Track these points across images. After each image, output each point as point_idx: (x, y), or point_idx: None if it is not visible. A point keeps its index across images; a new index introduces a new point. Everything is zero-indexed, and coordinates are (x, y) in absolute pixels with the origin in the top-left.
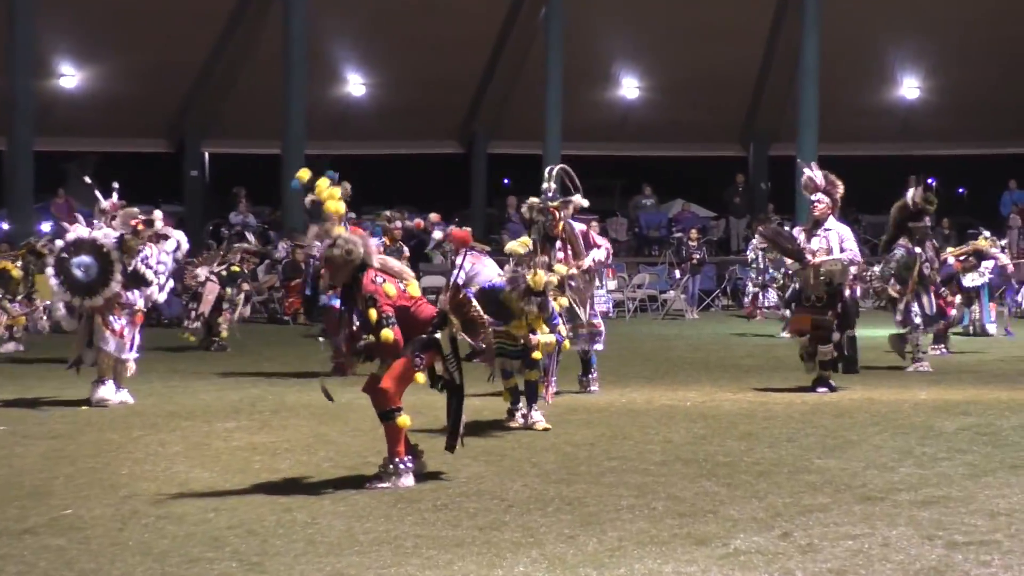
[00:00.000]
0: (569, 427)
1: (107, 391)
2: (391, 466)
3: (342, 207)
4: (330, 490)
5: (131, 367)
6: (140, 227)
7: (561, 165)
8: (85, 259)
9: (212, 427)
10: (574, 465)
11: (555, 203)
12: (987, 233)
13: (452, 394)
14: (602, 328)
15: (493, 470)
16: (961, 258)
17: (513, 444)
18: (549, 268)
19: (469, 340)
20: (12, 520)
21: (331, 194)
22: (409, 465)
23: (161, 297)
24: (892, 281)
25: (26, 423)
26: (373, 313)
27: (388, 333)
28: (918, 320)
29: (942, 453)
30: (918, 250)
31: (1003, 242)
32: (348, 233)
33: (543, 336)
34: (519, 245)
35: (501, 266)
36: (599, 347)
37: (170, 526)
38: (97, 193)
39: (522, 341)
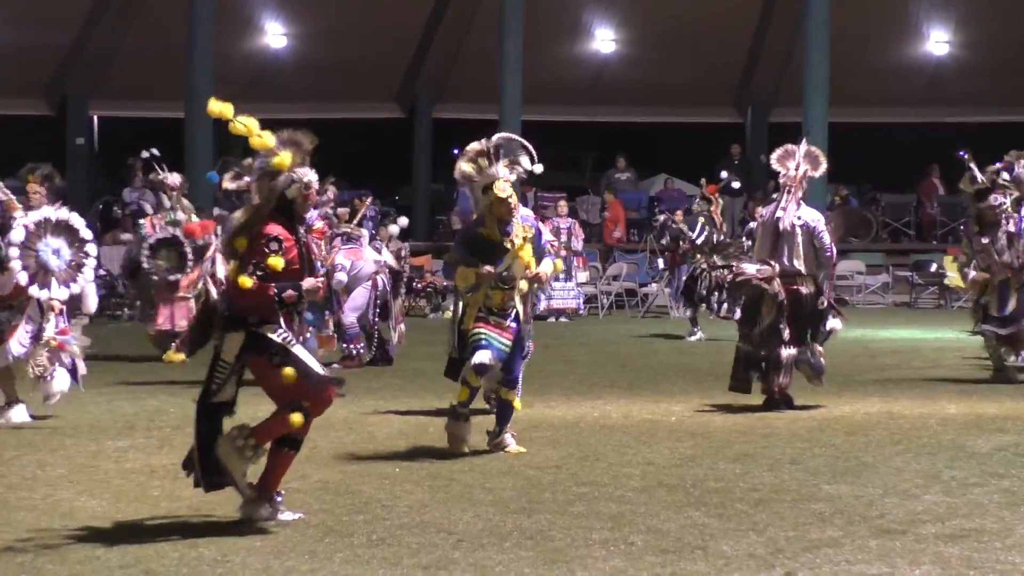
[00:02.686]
0: (531, 446)
1: (19, 413)
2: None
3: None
4: (244, 521)
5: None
6: None
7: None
8: None
9: (101, 446)
10: (536, 492)
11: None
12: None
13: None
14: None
15: (439, 497)
16: None
17: (463, 467)
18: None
19: None
20: None
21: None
22: None
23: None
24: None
25: None
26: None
27: None
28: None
29: (974, 478)
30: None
31: None
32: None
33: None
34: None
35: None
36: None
37: (51, 565)
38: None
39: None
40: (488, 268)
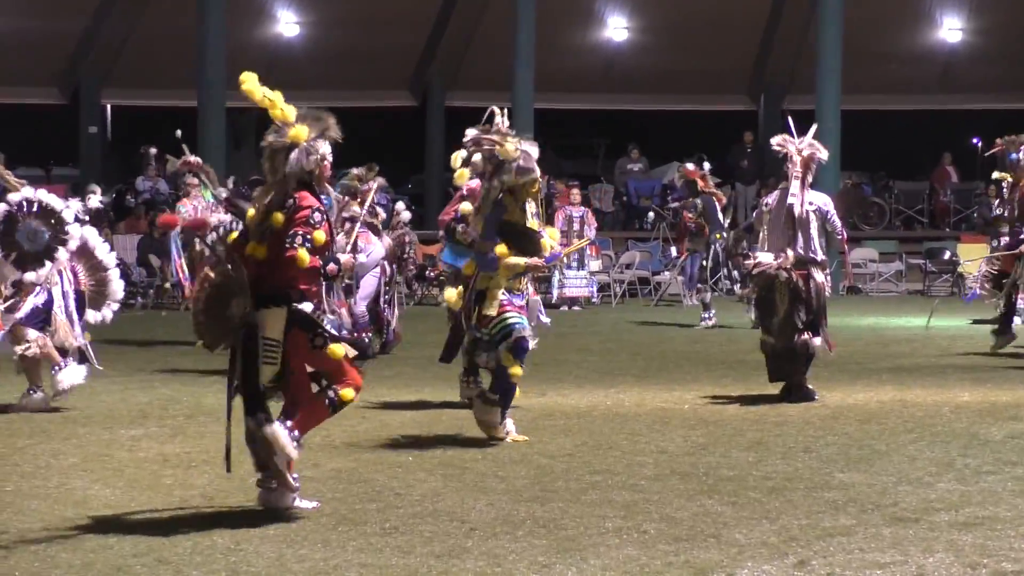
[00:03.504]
0: (543, 435)
1: (72, 374)
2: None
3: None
4: (256, 510)
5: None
6: None
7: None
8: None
9: (114, 435)
10: (549, 480)
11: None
12: None
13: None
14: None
15: (452, 486)
16: None
17: (476, 455)
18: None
19: None
20: None
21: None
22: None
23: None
24: None
25: None
26: None
27: None
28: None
29: (988, 465)
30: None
31: None
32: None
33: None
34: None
35: None
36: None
37: (64, 554)
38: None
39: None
40: (538, 261)
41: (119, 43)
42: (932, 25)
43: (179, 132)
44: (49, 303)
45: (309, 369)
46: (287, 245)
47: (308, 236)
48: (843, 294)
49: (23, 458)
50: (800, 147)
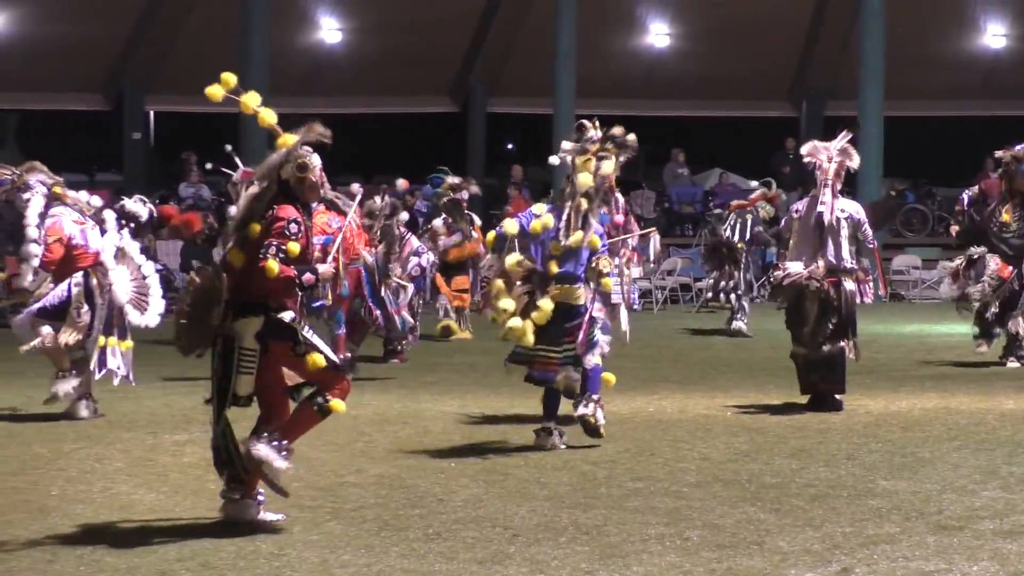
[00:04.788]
0: (585, 441)
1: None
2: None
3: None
4: (300, 515)
5: None
6: None
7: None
8: None
9: (159, 440)
10: (592, 487)
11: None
12: None
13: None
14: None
15: (495, 492)
16: None
17: (519, 461)
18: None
19: None
20: None
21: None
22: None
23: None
24: None
25: None
26: None
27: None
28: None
29: None
30: None
31: None
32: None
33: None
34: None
35: None
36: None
37: (109, 558)
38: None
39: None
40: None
41: (163, 50)
42: (976, 31)
43: (229, 147)
44: (65, 303)
45: (293, 379)
46: (260, 255)
47: (282, 247)
48: (886, 301)
49: (68, 463)
50: (831, 154)
